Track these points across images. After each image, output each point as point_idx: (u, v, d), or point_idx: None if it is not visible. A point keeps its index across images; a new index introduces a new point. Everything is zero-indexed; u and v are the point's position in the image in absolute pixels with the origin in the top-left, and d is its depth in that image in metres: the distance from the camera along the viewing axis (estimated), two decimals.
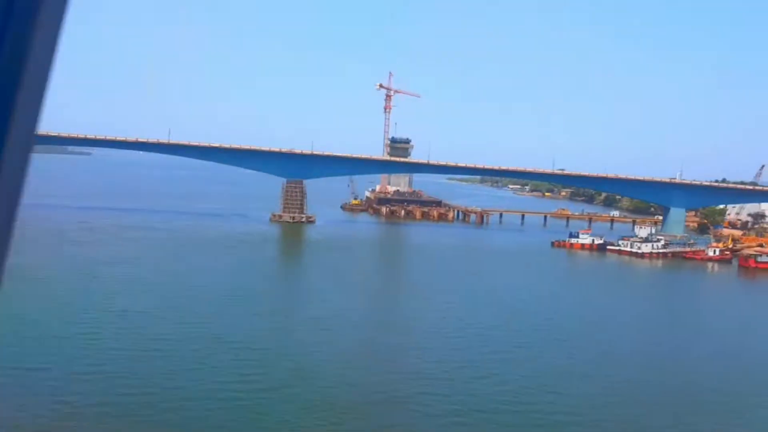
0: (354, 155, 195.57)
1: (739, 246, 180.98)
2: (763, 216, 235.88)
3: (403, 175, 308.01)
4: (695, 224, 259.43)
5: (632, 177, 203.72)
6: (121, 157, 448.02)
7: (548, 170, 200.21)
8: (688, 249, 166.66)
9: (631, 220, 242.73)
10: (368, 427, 45.02)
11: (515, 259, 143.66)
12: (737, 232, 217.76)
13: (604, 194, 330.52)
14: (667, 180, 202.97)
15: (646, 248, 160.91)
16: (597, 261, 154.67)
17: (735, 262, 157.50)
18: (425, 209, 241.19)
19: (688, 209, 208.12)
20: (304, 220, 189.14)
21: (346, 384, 52.58)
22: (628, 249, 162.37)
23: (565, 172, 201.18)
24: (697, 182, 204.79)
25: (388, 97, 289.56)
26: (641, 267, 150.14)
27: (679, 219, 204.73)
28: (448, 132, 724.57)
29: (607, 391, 55.21)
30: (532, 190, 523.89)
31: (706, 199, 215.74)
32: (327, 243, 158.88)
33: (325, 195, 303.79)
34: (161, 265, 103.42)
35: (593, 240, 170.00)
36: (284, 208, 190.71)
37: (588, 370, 60.91)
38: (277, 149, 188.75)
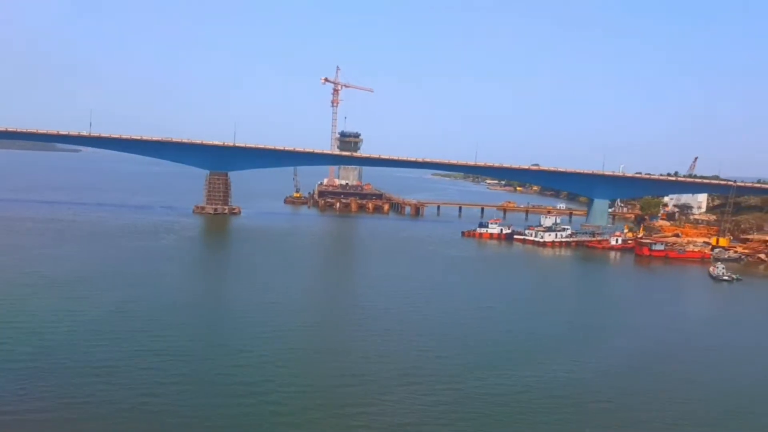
0: (279, 147, 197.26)
1: (656, 236, 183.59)
2: (689, 207, 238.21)
3: (353, 169, 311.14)
4: (633, 216, 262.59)
5: (553, 169, 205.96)
6: (108, 155, 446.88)
7: (471, 162, 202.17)
8: (593, 238, 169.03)
9: (582, 212, 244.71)
10: None
11: (416, 247, 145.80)
12: (665, 223, 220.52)
13: None
14: (589, 172, 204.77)
15: (549, 237, 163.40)
16: (497, 249, 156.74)
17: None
18: (363, 202, 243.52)
19: (611, 200, 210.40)
20: (226, 211, 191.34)
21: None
22: (532, 238, 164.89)
23: (488, 164, 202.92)
24: (619, 174, 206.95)
25: (335, 91, 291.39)
26: (537, 254, 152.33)
27: (603, 209, 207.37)
28: (403, 126, 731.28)
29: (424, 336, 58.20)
30: (505, 185, 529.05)
31: (628, 191, 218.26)
32: (239, 233, 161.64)
33: (271, 187, 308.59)
34: (29, 252, 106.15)
35: (501, 230, 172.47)
36: (207, 200, 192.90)
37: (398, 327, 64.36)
38: (198, 141, 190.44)
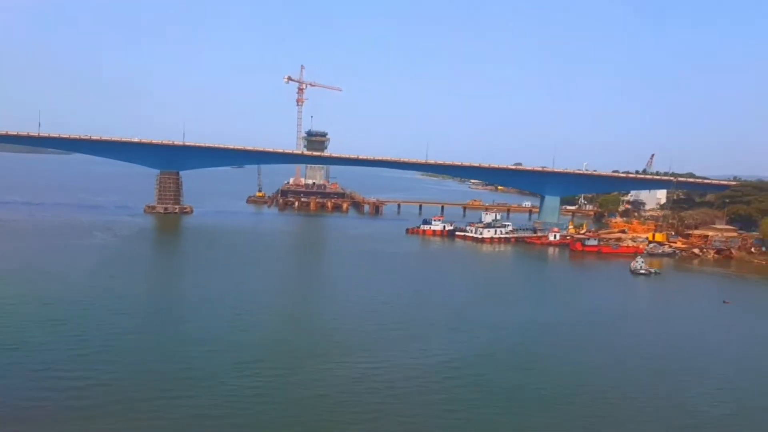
0: (232, 146, 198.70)
1: (602, 232, 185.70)
2: (642, 203, 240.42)
3: (320, 168, 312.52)
4: (593, 213, 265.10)
5: (504, 166, 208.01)
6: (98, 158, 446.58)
7: (421, 160, 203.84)
8: (533, 234, 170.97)
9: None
10: None
11: (356, 245, 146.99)
12: (620, 220, 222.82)
13: None
14: (539, 169, 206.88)
15: (488, 233, 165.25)
16: (433, 245, 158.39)
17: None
18: (323, 201, 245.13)
19: (562, 197, 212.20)
20: (177, 211, 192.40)
21: None
22: (472, 234, 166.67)
23: (438, 162, 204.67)
24: (570, 171, 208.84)
25: (300, 90, 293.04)
26: (471, 249, 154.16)
27: (554, 206, 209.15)
28: (372, 124, 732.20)
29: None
30: (487, 185, 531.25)
31: (578, 188, 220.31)
32: (180, 231, 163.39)
33: (238, 187, 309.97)
34: None
35: (444, 226, 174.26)
36: (158, 199, 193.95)
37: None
38: (148, 141, 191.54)
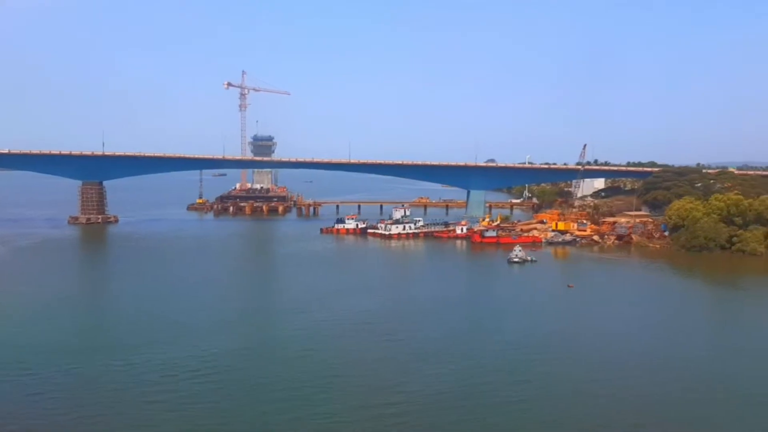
0: (152, 154, 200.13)
1: (521, 223, 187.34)
2: (570, 194, 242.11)
3: (267, 172, 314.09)
4: (532, 205, 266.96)
5: (428, 163, 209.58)
6: None
7: (344, 160, 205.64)
8: (442, 228, 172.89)
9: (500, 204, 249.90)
10: None
11: (265, 246, 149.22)
12: (553, 210, 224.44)
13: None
14: (463, 164, 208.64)
15: (395, 230, 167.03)
16: (339, 243, 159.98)
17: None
18: (259, 204, 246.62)
19: (487, 191, 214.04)
20: (100, 221, 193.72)
21: None
22: (381, 231, 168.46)
23: (362, 161, 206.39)
24: (493, 164, 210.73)
25: (242, 95, 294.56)
26: (374, 245, 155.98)
27: (479, 200, 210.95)
28: (321, 127, 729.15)
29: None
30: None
31: (502, 181, 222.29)
32: (90, 241, 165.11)
33: (184, 195, 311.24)
34: None
35: (357, 225, 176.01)
36: (81, 209, 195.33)
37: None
38: (67, 152, 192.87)
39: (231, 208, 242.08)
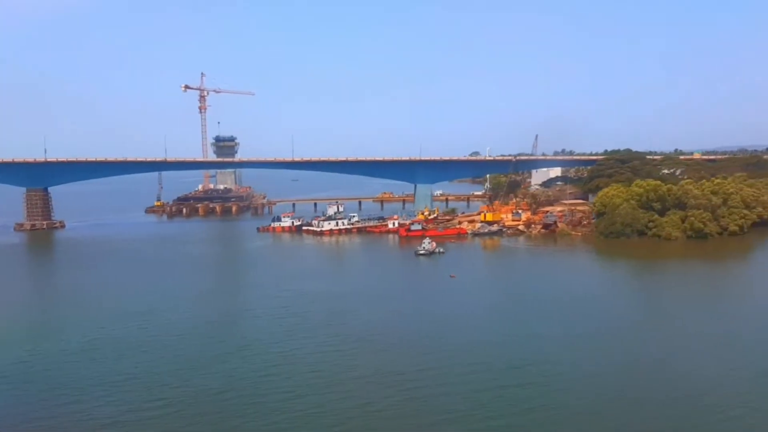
0: (97, 159, 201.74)
1: (461, 216, 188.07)
2: (518, 184, 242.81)
3: (230, 173, 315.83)
4: (488, 196, 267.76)
5: (372, 159, 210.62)
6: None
7: (288, 159, 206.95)
8: (376, 224, 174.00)
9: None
10: None
11: (198, 247, 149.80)
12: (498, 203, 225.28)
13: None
14: (407, 159, 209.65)
15: (327, 226, 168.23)
16: (271, 241, 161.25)
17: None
18: (214, 205, 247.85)
19: (432, 184, 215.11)
20: (45, 227, 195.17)
21: None
22: (314, 228, 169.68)
23: (305, 159, 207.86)
24: (437, 158, 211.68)
25: (202, 97, 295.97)
26: (305, 242, 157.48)
27: (426, 194, 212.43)
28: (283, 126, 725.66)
29: None
30: None
31: (447, 174, 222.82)
32: (27, 247, 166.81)
33: (147, 198, 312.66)
34: None
35: (292, 222, 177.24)
36: (27, 216, 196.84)
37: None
38: (9, 159, 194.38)
39: (184, 210, 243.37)
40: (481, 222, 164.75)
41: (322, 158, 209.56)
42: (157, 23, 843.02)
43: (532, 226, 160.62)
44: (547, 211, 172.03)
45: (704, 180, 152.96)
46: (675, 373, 56.89)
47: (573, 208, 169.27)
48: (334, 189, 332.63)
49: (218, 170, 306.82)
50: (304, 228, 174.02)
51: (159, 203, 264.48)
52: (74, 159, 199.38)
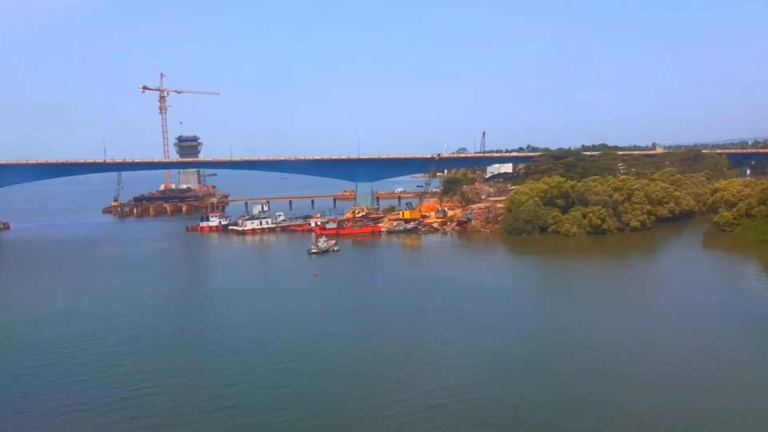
0: (38, 162, 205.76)
1: (392, 215, 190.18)
2: (458, 181, 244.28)
3: (192, 173, 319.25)
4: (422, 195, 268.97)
5: (311, 158, 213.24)
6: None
7: (227, 158, 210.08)
8: (300, 222, 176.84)
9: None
10: None
11: (117, 247, 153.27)
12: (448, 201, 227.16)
13: None
14: (346, 158, 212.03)
15: (250, 225, 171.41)
16: (189, 240, 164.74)
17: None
18: (167, 205, 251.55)
19: (372, 182, 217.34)
20: None
21: None
22: (236, 227, 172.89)
23: (245, 158, 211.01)
24: (375, 156, 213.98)
25: (162, 98, 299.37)
26: (223, 241, 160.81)
27: (366, 192, 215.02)
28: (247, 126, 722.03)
29: None
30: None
31: (387, 172, 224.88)
32: None
33: (106, 198, 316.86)
34: None
35: (219, 222, 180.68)
36: None
37: None
38: None
39: (135, 210, 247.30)
40: (398, 220, 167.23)
41: (262, 158, 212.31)
42: (123, 23, 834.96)
43: (448, 223, 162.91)
44: (468, 208, 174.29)
45: (611, 177, 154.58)
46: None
47: (493, 205, 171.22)
48: (315, 187, 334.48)
49: (180, 170, 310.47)
50: (230, 227, 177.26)
51: (116, 203, 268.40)
52: (14, 162, 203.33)
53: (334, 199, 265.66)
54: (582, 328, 69.48)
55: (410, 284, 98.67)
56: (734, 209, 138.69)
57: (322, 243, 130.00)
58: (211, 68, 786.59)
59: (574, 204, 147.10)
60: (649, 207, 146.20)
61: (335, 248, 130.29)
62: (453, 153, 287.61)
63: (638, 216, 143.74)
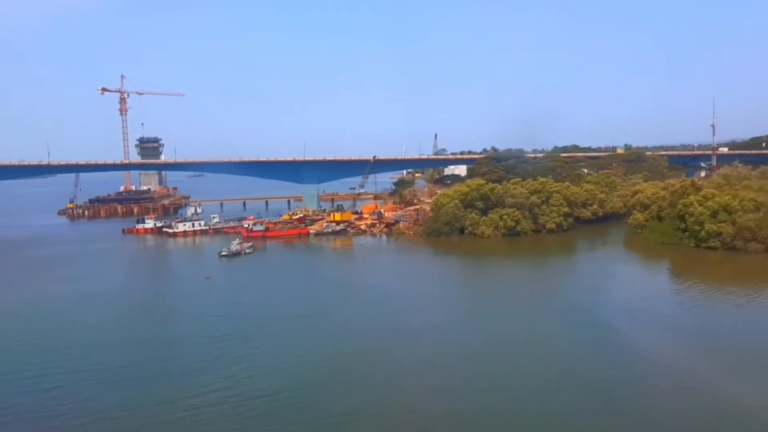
0: (5, 163, 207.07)
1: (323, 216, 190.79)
2: (404, 183, 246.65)
3: (153, 174, 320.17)
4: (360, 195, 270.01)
5: (256, 159, 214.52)
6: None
7: (163, 161, 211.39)
8: (234, 225, 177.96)
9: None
10: None
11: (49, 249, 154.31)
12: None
13: None
14: (291, 159, 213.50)
15: (181, 227, 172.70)
16: (118, 242, 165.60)
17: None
18: (119, 207, 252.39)
19: (319, 184, 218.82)
20: None
21: None
22: (169, 230, 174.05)
23: (187, 160, 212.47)
24: (321, 158, 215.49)
25: (122, 100, 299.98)
26: (152, 242, 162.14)
27: (312, 194, 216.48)
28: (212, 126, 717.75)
29: None
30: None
31: (333, 174, 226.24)
32: None
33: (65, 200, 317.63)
34: None
35: (155, 224, 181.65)
36: None
37: None
38: None
39: (86, 212, 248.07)
40: (328, 222, 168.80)
41: (206, 159, 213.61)
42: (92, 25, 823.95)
43: (376, 225, 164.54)
44: (401, 210, 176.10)
45: (530, 179, 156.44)
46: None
47: (422, 208, 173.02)
48: (283, 189, 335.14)
49: (141, 171, 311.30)
50: (164, 229, 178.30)
51: (72, 205, 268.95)
52: None
53: (289, 201, 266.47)
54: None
55: (301, 286, 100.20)
56: (647, 211, 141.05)
57: (234, 245, 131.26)
58: (179, 70, 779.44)
59: (494, 206, 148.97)
60: (566, 209, 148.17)
61: (248, 251, 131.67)
62: (413, 156, 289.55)
63: (554, 218, 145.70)
